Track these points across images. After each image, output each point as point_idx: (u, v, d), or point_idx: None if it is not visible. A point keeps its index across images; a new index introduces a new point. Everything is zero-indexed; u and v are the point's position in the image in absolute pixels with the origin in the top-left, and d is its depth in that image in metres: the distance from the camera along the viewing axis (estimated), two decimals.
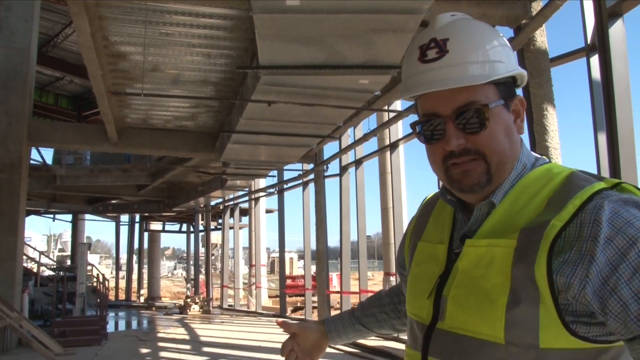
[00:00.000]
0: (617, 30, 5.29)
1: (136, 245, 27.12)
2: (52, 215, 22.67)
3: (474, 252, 1.00)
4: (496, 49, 1.02)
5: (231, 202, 20.92)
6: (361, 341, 9.69)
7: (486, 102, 0.99)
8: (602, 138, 5.49)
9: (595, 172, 1.05)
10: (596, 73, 5.60)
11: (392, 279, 12.69)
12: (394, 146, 11.25)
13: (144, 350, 9.95)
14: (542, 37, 5.66)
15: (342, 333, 1.48)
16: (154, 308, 20.86)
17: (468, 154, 1.01)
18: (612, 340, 0.91)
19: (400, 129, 11.57)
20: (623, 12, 5.39)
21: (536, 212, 0.95)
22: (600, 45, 5.37)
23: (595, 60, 5.63)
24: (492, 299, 0.94)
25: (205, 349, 9.96)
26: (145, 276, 26.72)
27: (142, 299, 24.96)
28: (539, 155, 1.09)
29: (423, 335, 1.07)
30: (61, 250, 50.25)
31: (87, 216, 24.16)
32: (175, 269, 67.17)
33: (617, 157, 5.14)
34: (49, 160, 17.56)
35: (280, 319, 1.60)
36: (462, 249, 1.03)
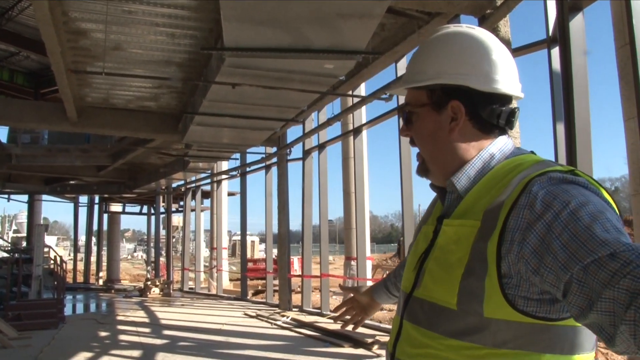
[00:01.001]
0: (577, 24, 5.42)
1: (95, 227, 26.66)
2: (6, 196, 22.00)
3: (448, 230, 1.17)
4: (429, 62, 1.22)
5: (193, 185, 20.72)
6: (322, 325, 9.80)
7: (413, 104, 1.25)
8: (561, 128, 5.64)
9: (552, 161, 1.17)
10: (556, 64, 5.74)
11: (353, 263, 12.82)
12: (357, 131, 11.31)
13: (103, 334, 9.83)
14: (505, 28, 5.75)
15: (380, 295, 1.79)
16: (113, 291, 20.59)
17: (413, 142, 1.29)
18: (552, 318, 1.01)
19: (363, 114, 11.63)
20: (583, 7, 5.52)
21: (497, 194, 1.09)
22: (561, 37, 5.49)
23: (555, 52, 5.76)
24: (452, 270, 1.09)
25: (166, 332, 9.91)
26: (104, 258, 26.30)
27: (101, 282, 24.58)
28: (522, 150, 1.23)
29: (403, 302, 1.25)
30: (16, 231, 49.03)
31: (44, 197, 23.58)
32: (135, 251, 66.38)
33: (574, 146, 5.29)
34: (4, 139, 17.04)
35: (341, 284, 2.13)
36: (440, 229, 1.21)
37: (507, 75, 1.20)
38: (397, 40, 7.73)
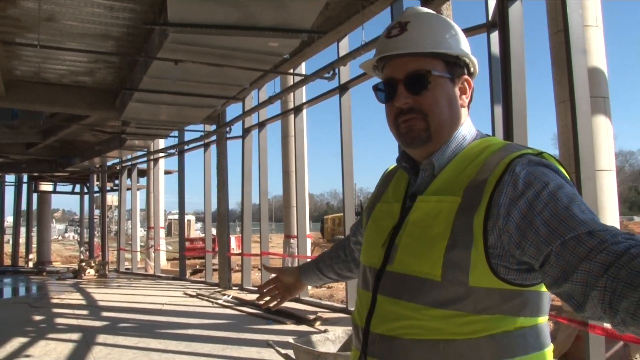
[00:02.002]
0: (515, 10, 5.62)
1: (24, 207, 25.53)
2: None
3: (424, 206, 1.21)
4: (447, 35, 1.27)
5: (129, 163, 20.16)
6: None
7: (437, 69, 1.24)
8: (498, 110, 5.85)
9: None
10: (495, 48, 5.93)
11: (293, 241, 12.90)
12: (298, 110, 11.30)
13: (38, 317, 9.51)
14: (447, 11, 5.90)
15: (309, 276, 1.81)
16: (44, 273, 19.82)
17: (412, 112, 1.24)
18: (527, 284, 1.12)
19: (304, 92, 11.63)
20: None
21: (474, 172, 1.16)
22: (500, 22, 5.68)
23: (495, 36, 5.95)
24: (434, 244, 1.14)
25: (105, 314, 9.69)
26: (34, 240, 25.29)
27: (31, 264, 23.66)
28: (483, 133, 1.34)
29: (374, 278, 1.27)
30: None
31: None
32: (66, 232, 64.23)
33: (511, 127, 5.52)
34: None
35: (264, 264, 2.16)
36: (413, 205, 1.25)
37: None
38: (341, 20, 7.75)
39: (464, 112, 1.31)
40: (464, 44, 1.30)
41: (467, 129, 1.30)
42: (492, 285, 1.10)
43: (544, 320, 1.18)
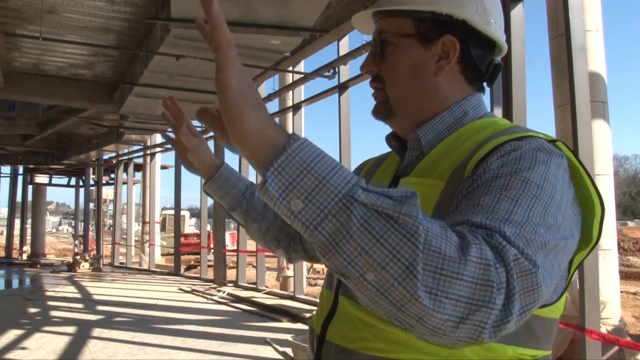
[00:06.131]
0: (517, 14, 5.65)
1: (19, 199, 25.48)
2: None
3: None
4: None
5: (125, 157, 20.13)
6: (259, 300, 9.86)
7: (393, 33, 1.02)
8: (498, 112, 5.88)
9: None
10: None
11: None
12: (296, 108, 11.30)
13: (33, 310, 9.49)
14: None
15: (227, 186, 1.26)
16: (39, 266, 19.79)
17: (376, 80, 1.06)
18: None
19: (302, 91, 11.63)
20: None
21: (467, 153, 0.91)
22: None
23: None
24: None
25: (100, 308, 9.68)
26: (28, 232, 25.22)
27: (25, 257, 23.60)
28: (493, 114, 1.08)
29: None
30: None
31: None
32: (60, 224, 64.12)
33: None
34: None
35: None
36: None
37: (500, 22, 1.05)
38: (342, 19, 7.76)
39: (444, 81, 1.02)
40: (467, 1, 1.00)
41: (473, 104, 1.03)
42: None
43: (544, 354, 0.91)
